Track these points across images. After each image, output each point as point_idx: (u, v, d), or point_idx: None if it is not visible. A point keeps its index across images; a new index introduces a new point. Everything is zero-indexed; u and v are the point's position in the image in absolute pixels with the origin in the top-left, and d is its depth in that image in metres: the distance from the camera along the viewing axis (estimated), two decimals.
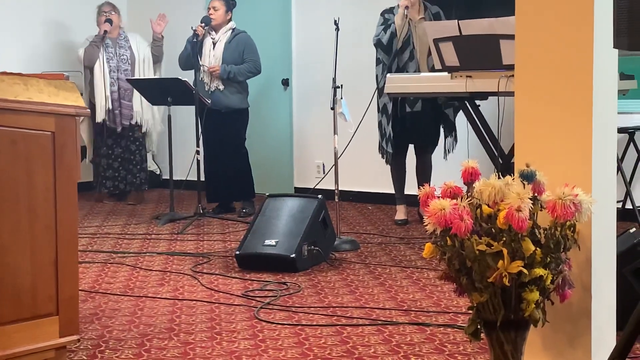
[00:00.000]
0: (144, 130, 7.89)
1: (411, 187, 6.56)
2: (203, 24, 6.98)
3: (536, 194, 2.73)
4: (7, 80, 3.04)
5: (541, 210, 2.72)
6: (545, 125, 2.93)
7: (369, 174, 7.50)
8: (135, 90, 7.55)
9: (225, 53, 6.97)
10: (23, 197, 3.04)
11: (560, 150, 2.89)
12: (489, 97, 5.65)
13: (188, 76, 6.88)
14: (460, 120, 6.32)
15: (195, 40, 6.88)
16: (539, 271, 2.62)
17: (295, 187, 8.10)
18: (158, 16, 7.70)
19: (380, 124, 6.48)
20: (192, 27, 6.93)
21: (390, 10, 6.44)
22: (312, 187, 7.60)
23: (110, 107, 7.66)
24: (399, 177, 6.64)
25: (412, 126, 6.42)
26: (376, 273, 4.85)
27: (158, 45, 7.77)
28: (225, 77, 6.91)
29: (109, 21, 7.66)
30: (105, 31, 7.63)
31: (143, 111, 7.78)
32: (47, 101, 3.11)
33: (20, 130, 3.03)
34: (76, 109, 3.20)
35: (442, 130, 6.55)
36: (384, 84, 6.11)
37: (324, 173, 7.86)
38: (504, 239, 2.64)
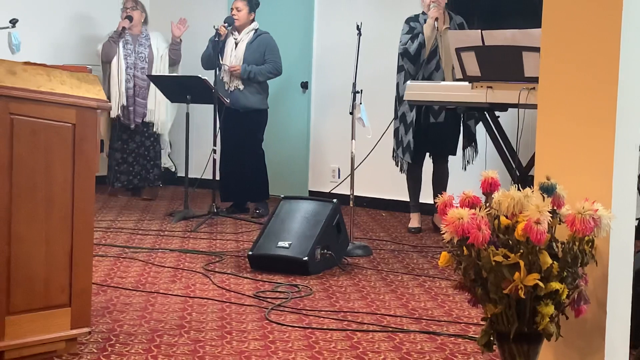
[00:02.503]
0: (155, 129, 7.88)
1: (426, 196, 6.55)
2: (226, 24, 6.99)
3: (555, 207, 2.72)
4: (30, 70, 3.05)
5: (560, 224, 2.70)
6: (566, 139, 2.92)
7: (383, 180, 7.49)
8: (149, 89, 7.59)
9: (247, 53, 6.98)
10: (41, 187, 3.06)
11: (581, 164, 2.87)
12: (509, 109, 5.64)
13: (209, 75, 6.89)
14: (479, 131, 6.30)
15: (217, 39, 6.89)
16: (555, 285, 2.61)
17: (309, 191, 8.10)
18: (179, 20, 7.72)
19: (397, 131, 6.45)
20: (214, 27, 6.93)
21: (416, 18, 6.40)
22: (326, 191, 7.62)
23: (125, 103, 7.69)
24: (414, 186, 6.61)
25: (433, 136, 6.39)
26: (388, 280, 4.84)
27: (175, 48, 7.78)
28: (246, 76, 6.92)
29: (129, 17, 7.69)
30: (124, 27, 7.65)
31: (156, 110, 7.78)
32: (69, 93, 3.12)
33: (41, 121, 3.05)
34: (97, 102, 3.21)
35: (460, 140, 6.51)
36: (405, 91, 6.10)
37: (339, 178, 7.86)
38: (522, 251, 2.62)
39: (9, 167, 2.96)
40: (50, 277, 3.10)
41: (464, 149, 6.48)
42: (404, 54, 6.30)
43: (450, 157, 6.57)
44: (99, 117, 3.23)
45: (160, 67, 7.79)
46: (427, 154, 6.58)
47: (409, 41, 6.27)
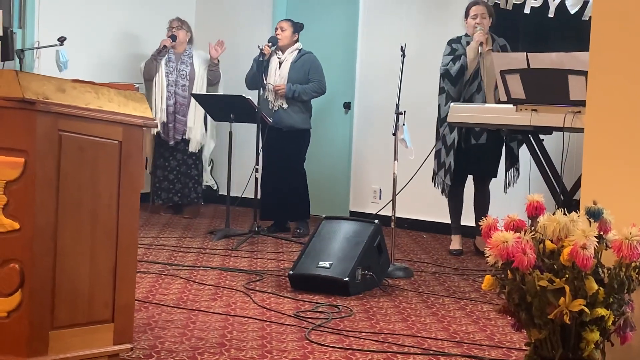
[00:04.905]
0: (191, 149, 7.92)
1: (467, 218, 6.51)
2: (270, 44, 7.04)
3: (602, 233, 2.69)
4: (79, 88, 3.09)
5: (606, 250, 2.67)
6: (613, 163, 2.89)
7: (424, 202, 7.45)
8: (189, 107, 7.68)
9: (291, 72, 7.02)
10: (86, 203, 3.09)
11: (629, 189, 2.84)
12: (553, 132, 5.59)
13: (252, 95, 6.93)
14: (523, 154, 6.25)
15: (261, 59, 6.94)
16: (601, 311, 2.57)
17: (350, 211, 8.08)
18: (217, 42, 7.81)
19: (438, 153, 6.43)
20: (259, 46, 6.99)
21: (458, 40, 6.39)
22: (367, 211, 7.60)
23: (165, 120, 7.79)
24: (455, 207, 6.58)
25: (475, 158, 6.35)
26: (429, 302, 4.81)
27: (213, 69, 7.87)
28: (290, 96, 6.96)
29: (173, 37, 7.80)
30: (165, 46, 7.76)
31: (194, 129, 7.84)
32: (117, 110, 3.16)
33: (88, 138, 3.08)
34: (144, 119, 3.24)
35: (502, 162, 6.46)
36: (447, 113, 6.07)
37: (380, 198, 7.84)
38: (567, 276, 2.60)
39: (56, 182, 2.99)
40: (94, 292, 3.12)
41: (506, 170, 6.43)
42: (445, 75, 6.30)
43: (493, 179, 6.52)
44: (144, 134, 3.26)
45: (200, 86, 7.88)
46: (469, 175, 6.54)
47: (450, 62, 6.27)
